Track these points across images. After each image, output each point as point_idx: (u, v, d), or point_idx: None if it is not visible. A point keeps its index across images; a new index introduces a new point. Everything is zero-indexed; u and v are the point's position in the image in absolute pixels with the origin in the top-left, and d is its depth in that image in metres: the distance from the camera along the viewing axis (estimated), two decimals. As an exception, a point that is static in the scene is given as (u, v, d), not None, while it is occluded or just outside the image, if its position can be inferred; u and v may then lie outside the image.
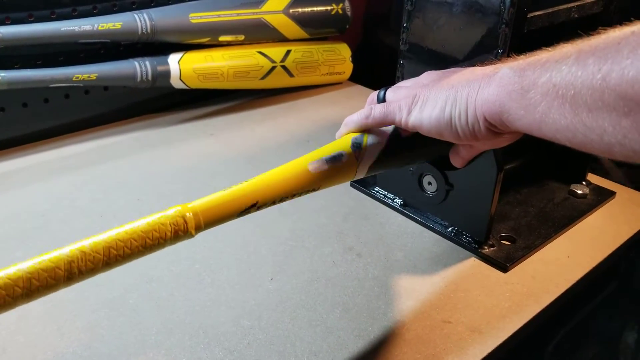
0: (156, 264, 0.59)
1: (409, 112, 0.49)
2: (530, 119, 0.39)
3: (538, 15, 0.58)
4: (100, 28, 0.81)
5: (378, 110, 0.51)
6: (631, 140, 0.32)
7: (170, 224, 0.40)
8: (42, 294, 0.35)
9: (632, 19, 0.34)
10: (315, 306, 0.55)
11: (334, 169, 0.49)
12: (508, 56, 0.55)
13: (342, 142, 0.51)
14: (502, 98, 0.41)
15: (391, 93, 0.53)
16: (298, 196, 0.47)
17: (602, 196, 0.74)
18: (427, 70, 0.62)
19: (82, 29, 0.80)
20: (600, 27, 0.36)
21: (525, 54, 0.43)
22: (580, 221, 0.70)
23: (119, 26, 0.82)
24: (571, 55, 0.36)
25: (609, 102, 0.32)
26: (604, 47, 0.33)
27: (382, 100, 0.54)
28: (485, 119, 0.43)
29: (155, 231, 0.38)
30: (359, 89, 1.09)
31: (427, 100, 0.48)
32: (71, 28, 0.79)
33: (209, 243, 0.63)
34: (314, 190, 0.48)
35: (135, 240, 0.37)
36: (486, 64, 0.47)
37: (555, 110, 0.36)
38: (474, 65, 0.50)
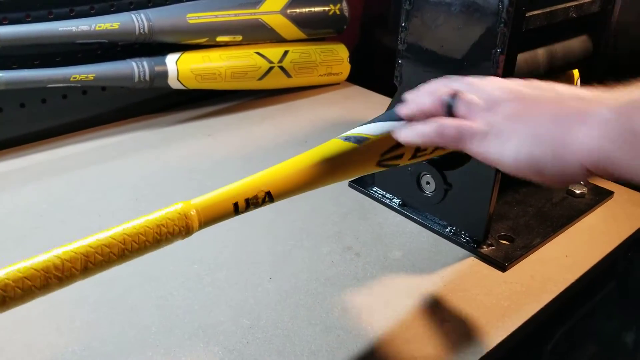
0: (155, 264, 0.59)
1: (488, 146, 0.42)
2: None
3: (536, 14, 0.58)
4: (97, 28, 0.81)
5: (451, 130, 0.44)
6: None
7: (176, 220, 0.40)
8: (65, 283, 0.35)
9: None
10: (314, 305, 0.55)
11: None
12: (507, 56, 0.55)
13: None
14: (605, 145, 0.36)
15: (464, 108, 0.45)
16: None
17: (600, 196, 0.74)
18: (425, 71, 0.62)
19: (79, 29, 0.79)
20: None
21: (607, 85, 0.39)
22: (578, 221, 0.70)
23: (117, 26, 0.82)
24: None
25: None
26: None
27: (449, 107, 0.46)
28: (583, 166, 0.38)
29: (163, 226, 0.39)
30: (356, 89, 1.09)
31: (510, 136, 0.41)
32: (69, 28, 0.79)
33: (207, 243, 0.62)
34: None
35: (143, 235, 0.38)
36: (564, 80, 0.43)
37: None
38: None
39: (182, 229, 0.40)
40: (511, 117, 0.42)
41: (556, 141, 0.39)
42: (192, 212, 0.41)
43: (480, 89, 0.45)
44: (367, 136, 0.50)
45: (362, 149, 0.49)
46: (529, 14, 0.57)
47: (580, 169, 0.38)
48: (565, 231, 0.68)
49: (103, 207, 0.69)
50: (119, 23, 0.82)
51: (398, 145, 0.49)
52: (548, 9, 0.59)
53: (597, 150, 0.37)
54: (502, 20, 0.54)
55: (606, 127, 0.36)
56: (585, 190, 0.74)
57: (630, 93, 0.37)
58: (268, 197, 0.45)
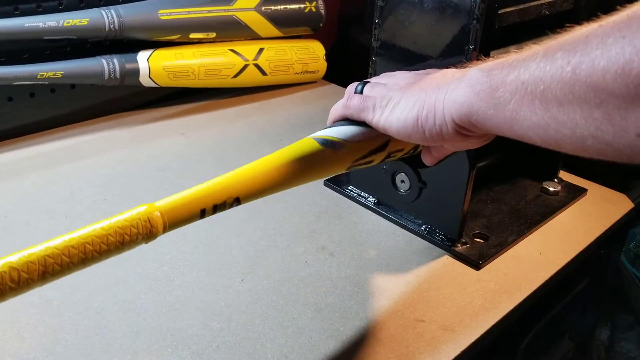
0: (122, 266, 0.57)
1: (381, 113, 0.49)
2: (501, 118, 0.39)
3: (509, 11, 0.58)
4: (65, 24, 0.79)
5: (355, 102, 0.51)
6: (604, 132, 0.32)
7: (136, 225, 0.38)
8: (18, 292, 0.33)
9: (599, 13, 0.34)
10: (287, 307, 0.54)
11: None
12: (479, 54, 0.55)
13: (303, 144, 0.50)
14: (471, 98, 0.41)
15: (368, 89, 0.53)
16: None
17: (574, 193, 0.74)
18: (399, 67, 0.62)
19: (47, 25, 0.77)
20: (567, 25, 0.35)
21: (495, 56, 0.43)
22: (552, 218, 0.70)
23: (86, 22, 0.80)
24: (539, 52, 0.35)
25: (580, 95, 0.32)
26: (572, 41, 0.33)
27: (359, 93, 0.54)
28: (454, 121, 0.43)
29: (111, 235, 0.37)
30: (332, 88, 1.09)
31: (399, 103, 0.48)
32: (35, 24, 0.77)
33: (177, 244, 0.61)
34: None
35: (90, 245, 0.36)
36: (459, 67, 0.47)
37: (525, 107, 0.36)
38: (448, 66, 0.50)
39: (145, 233, 0.38)
40: (403, 88, 0.49)
41: (436, 102, 0.45)
42: (156, 215, 0.39)
43: (386, 76, 0.54)
44: (341, 141, 0.51)
45: (339, 154, 0.50)
46: (501, 11, 0.56)
47: (451, 123, 0.44)
48: (539, 229, 0.68)
49: (70, 208, 0.67)
50: (88, 19, 0.80)
51: (370, 153, 0.52)
52: (521, 6, 0.59)
53: (466, 104, 0.41)
54: (475, 17, 0.54)
55: (470, 82, 0.41)
56: (559, 188, 0.74)
57: (502, 56, 0.41)
58: (236, 202, 0.44)
